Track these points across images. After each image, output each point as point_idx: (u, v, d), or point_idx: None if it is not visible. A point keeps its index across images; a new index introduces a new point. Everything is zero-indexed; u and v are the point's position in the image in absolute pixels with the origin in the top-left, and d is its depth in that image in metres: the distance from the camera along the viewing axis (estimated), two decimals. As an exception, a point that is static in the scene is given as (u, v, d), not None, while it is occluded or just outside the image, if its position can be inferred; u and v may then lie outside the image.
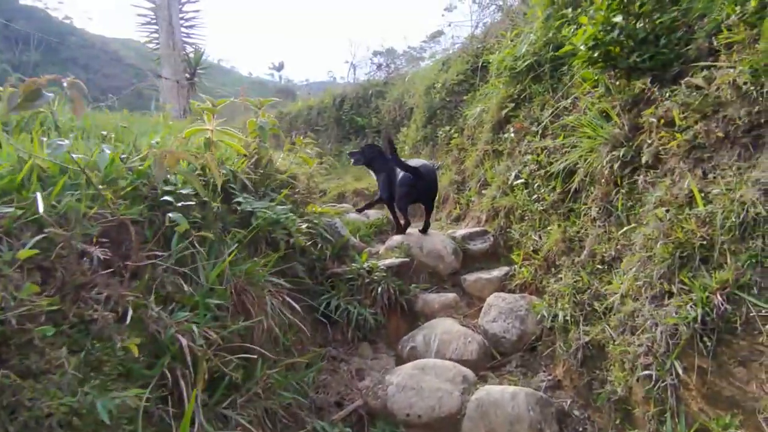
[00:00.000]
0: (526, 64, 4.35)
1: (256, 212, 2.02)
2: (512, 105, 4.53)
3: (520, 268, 3.58)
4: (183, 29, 7.06)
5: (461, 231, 4.27)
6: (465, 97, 6.55)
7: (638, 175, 2.55)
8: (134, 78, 48.15)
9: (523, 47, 4.33)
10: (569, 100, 3.64)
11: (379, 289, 3.30)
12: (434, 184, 4.31)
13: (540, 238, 3.50)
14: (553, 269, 3.18)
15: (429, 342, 2.95)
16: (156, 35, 7.19)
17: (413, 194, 4.17)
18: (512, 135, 4.35)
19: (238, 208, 2.11)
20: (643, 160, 2.49)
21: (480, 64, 6.65)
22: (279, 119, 13.74)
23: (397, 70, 10.56)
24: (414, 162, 4.43)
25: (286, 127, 13.23)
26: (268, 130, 2.72)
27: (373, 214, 4.93)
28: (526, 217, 3.80)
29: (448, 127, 6.58)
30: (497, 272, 3.76)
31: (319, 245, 3.24)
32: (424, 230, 4.22)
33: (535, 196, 3.68)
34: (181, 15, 6.83)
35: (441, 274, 3.83)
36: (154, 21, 6.95)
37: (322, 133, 11.69)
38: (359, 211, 4.89)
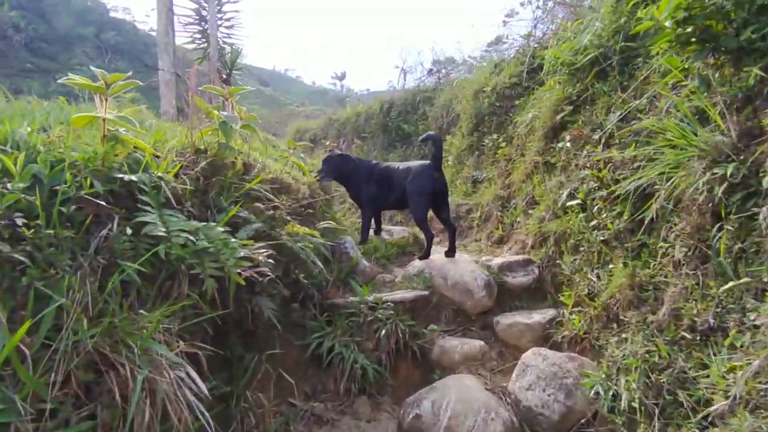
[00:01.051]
0: (588, 58, 3.48)
1: (171, 236, 1.39)
2: (569, 108, 3.67)
3: (570, 314, 2.73)
4: (222, 29, 6.72)
5: (498, 259, 3.46)
6: (517, 102, 5.70)
7: (755, 205, 1.68)
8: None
9: (585, 38, 3.47)
10: (644, 99, 2.76)
11: (384, 330, 2.59)
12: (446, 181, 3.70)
13: (599, 278, 2.64)
14: (615, 325, 2.32)
15: (438, 411, 2.18)
16: (199, 36, 6.91)
17: (435, 192, 3.51)
18: (568, 144, 3.49)
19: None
20: (765, 183, 1.62)
21: (536, 63, 5.78)
22: (328, 125, 13.37)
23: (448, 76, 9.80)
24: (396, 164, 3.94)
25: (334, 134, 12.83)
26: (236, 126, 2.10)
27: (398, 231, 4.21)
28: (582, 248, 2.94)
29: (495, 135, 5.74)
30: (540, 316, 2.92)
31: (316, 270, 2.59)
32: (450, 253, 3.45)
33: (594, 222, 2.81)
34: (219, 15, 6.48)
35: (468, 313, 3.04)
36: (197, 21, 6.66)
37: (369, 140, 11.14)
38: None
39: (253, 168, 2.27)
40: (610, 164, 2.78)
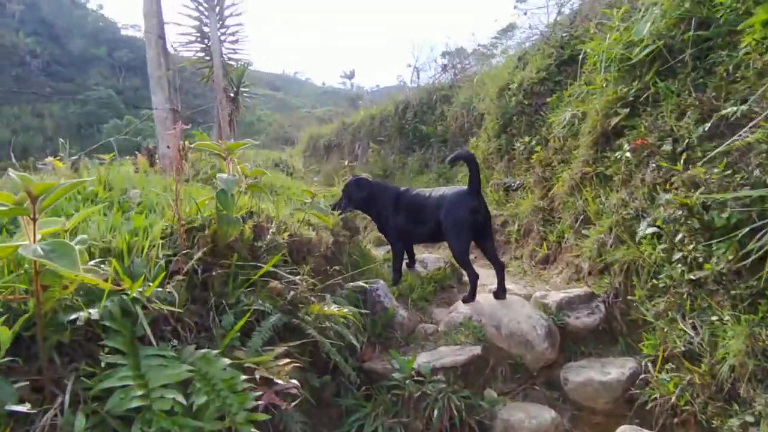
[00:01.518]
0: (647, 52, 2.93)
1: (152, 400, 0.95)
2: (625, 111, 3.12)
3: (660, 373, 2.23)
4: (227, 45, 6.30)
5: (555, 294, 2.94)
6: (548, 100, 5.14)
7: None
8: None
9: (644, 28, 2.91)
10: (740, 104, 2.21)
11: (436, 409, 2.12)
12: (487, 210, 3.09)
13: (696, 330, 2.12)
14: (735, 403, 1.81)
15: None
16: (202, 54, 6.51)
17: (475, 224, 2.94)
18: (628, 155, 2.96)
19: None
20: None
21: (567, 55, 5.21)
22: (342, 130, 12.92)
23: (464, 71, 9.22)
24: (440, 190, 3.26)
25: (349, 138, 12.38)
26: (241, 187, 1.65)
27: (432, 260, 3.72)
28: (663, 286, 2.42)
29: (527, 138, 5.19)
30: (617, 370, 2.41)
31: (349, 337, 2.13)
32: (499, 293, 2.95)
33: (680, 255, 2.29)
34: (222, 30, 6.05)
35: (529, 368, 2.55)
36: (198, 38, 6.25)
37: (385, 144, 10.64)
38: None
39: (266, 231, 1.83)
40: (699, 186, 2.24)
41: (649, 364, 2.35)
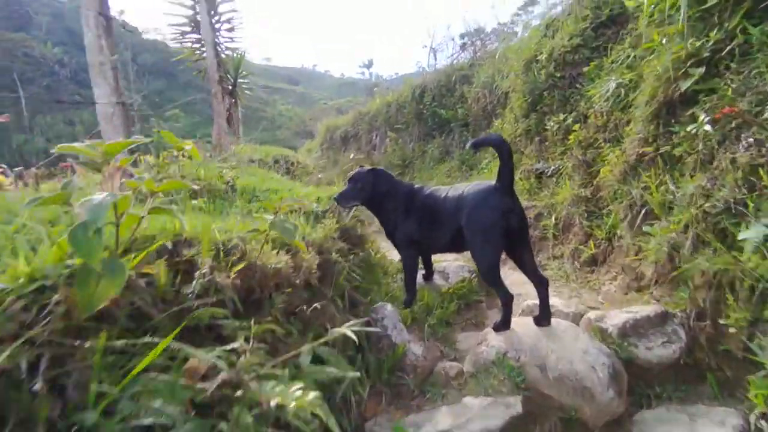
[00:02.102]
0: (731, -13, 2.17)
1: None
2: (699, 71, 2.36)
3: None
4: (224, 33, 5.73)
5: (616, 316, 2.23)
6: (585, 69, 4.35)
7: None
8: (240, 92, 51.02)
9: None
10: None
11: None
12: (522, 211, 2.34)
13: None
14: None
15: None
16: (198, 45, 5.97)
17: (508, 229, 2.22)
18: (707, 128, 2.21)
19: None
20: None
21: (605, 16, 4.39)
22: (359, 120, 12.27)
23: (485, 48, 8.39)
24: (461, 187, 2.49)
25: (365, 128, 11.72)
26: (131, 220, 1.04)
27: (454, 269, 3.06)
28: (779, 310, 1.70)
29: (562, 116, 4.42)
30: (714, 430, 1.72)
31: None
32: (542, 319, 2.28)
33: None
34: (216, 18, 5.48)
35: (587, 424, 1.88)
36: (193, 29, 5.71)
37: (403, 132, 9.94)
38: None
39: (201, 268, 1.23)
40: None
41: (762, 421, 1.65)
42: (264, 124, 46.85)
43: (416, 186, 2.83)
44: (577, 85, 4.44)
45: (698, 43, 2.33)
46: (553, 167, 4.34)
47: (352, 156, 7.51)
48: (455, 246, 2.48)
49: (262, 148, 4.76)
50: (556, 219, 3.92)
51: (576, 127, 4.02)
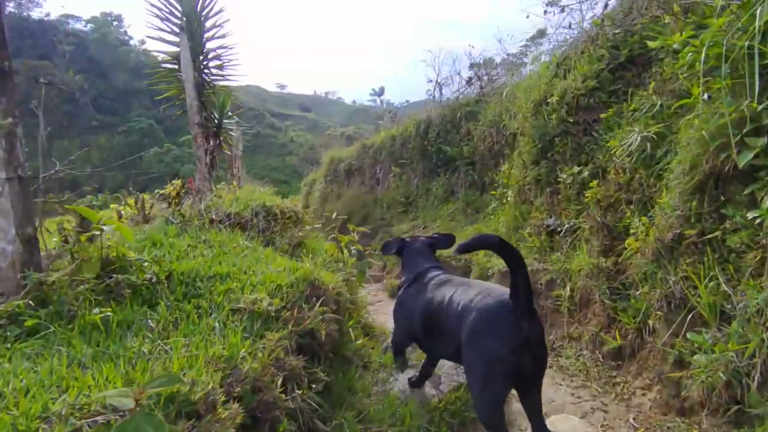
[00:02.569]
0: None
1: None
2: (761, 141, 1.81)
3: None
4: (212, 70, 5.36)
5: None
6: (602, 116, 3.83)
7: None
8: (253, 119, 51.36)
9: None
10: None
11: None
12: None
13: None
14: None
15: None
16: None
17: (519, 369, 1.60)
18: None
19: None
20: None
21: (624, 57, 3.89)
22: (363, 153, 11.85)
23: (492, 83, 7.95)
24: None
25: (370, 161, 11.29)
26: None
27: (446, 372, 2.46)
28: None
29: (576, 168, 3.88)
30: None
31: None
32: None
33: None
34: (202, 55, 5.10)
35: None
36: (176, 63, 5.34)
37: (407, 167, 9.48)
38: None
39: None
40: None
41: None
42: (275, 151, 47.09)
43: (432, 268, 2.28)
44: (593, 133, 3.91)
45: (759, 107, 1.79)
46: (567, 225, 3.77)
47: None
48: (458, 358, 1.88)
49: (245, 195, 4.25)
50: (571, 290, 3.34)
51: (593, 183, 3.47)
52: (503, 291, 1.75)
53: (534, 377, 1.68)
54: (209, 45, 5.35)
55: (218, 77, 5.70)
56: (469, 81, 8.38)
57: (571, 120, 4.19)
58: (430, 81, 9.15)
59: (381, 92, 56.24)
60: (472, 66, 9.12)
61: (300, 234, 4.30)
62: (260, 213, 4.07)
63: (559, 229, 3.90)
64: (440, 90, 9.07)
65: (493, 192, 5.74)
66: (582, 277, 3.25)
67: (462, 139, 7.81)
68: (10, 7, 45.43)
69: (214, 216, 3.56)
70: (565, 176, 3.93)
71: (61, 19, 50.62)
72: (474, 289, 1.87)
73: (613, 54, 4.04)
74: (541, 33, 8.97)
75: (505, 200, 5.13)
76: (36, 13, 49.71)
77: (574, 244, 3.63)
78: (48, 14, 52.02)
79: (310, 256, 3.28)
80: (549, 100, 4.54)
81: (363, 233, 9.77)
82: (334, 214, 6.38)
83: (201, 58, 5.23)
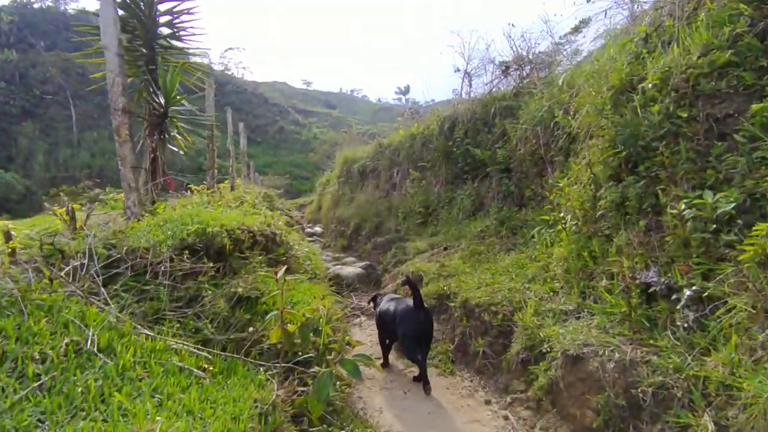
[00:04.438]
0: None
1: None
2: None
3: None
4: (164, 37, 3.95)
5: None
6: (754, 107, 2.23)
7: None
8: (278, 115, 50.39)
9: None
10: None
11: None
12: None
13: None
14: None
15: None
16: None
17: None
18: None
19: None
20: None
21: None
22: (379, 153, 10.33)
23: (537, 71, 6.30)
24: None
25: (386, 163, 9.76)
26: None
27: None
28: None
29: (707, 194, 2.29)
30: None
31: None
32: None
33: None
34: (145, 18, 3.69)
35: None
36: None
37: (428, 171, 7.93)
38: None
39: None
40: None
41: None
42: (298, 147, 46.00)
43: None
44: (730, 136, 2.31)
45: None
46: (688, 291, 2.17)
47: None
48: None
49: (197, 214, 2.80)
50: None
51: (761, 227, 1.87)
52: (410, 301, 3.29)
53: (426, 339, 3.23)
54: (161, 7, 3.94)
55: (178, 50, 4.29)
56: (505, 70, 6.75)
57: (684, 114, 2.59)
58: (458, 71, 7.53)
59: (406, 90, 54.52)
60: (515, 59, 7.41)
61: (263, 273, 2.85)
62: (196, 245, 2.63)
63: (666, 293, 2.31)
64: (470, 82, 7.45)
65: (543, 216, 4.13)
66: (737, 409, 1.67)
67: (496, 140, 6.20)
68: (49, 2, 45.68)
69: (114, 253, 2.15)
70: (681, 207, 2.33)
71: (96, 13, 50.81)
72: (399, 302, 3.50)
73: (763, 10, 2.42)
74: (585, 22, 7.24)
75: (561, 227, 3.54)
76: (72, 7, 49.96)
77: (704, 325, 2.05)
78: (84, 9, 52.36)
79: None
80: (640, 86, 2.94)
81: (375, 245, 8.29)
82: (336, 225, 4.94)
83: (145, 20, 3.81)
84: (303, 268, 4.00)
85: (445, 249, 5.71)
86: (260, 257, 3.06)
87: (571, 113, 4.08)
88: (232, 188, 7.58)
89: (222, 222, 2.92)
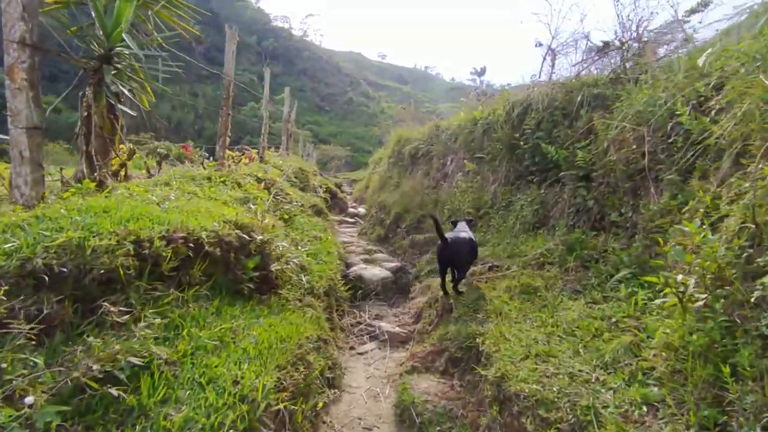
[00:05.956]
0: None
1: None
2: None
3: None
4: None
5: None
6: None
7: None
8: (348, 86, 49.63)
9: None
10: None
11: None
12: None
13: None
14: None
15: None
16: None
17: None
18: None
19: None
20: None
21: None
22: (434, 136, 9.01)
23: (654, 51, 4.63)
24: None
25: (441, 148, 8.44)
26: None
27: None
28: None
29: None
30: None
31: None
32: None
33: None
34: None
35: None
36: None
37: (486, 164, 6.56)
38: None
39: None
40: None
41: None
42: (364, 120, 45.12)
43: None
44: None
45: None
46: None
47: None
48: None
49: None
50: None
51: None
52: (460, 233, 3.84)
53: (454, 265, 3.77)
54: None
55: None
56: (604, 47, 5.15)
57: None
58: (539, 45, 5.97)
59: (482, 72, 51.36)
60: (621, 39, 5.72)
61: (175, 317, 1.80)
62: (62, 267, 1.61)
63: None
64: (553, 61, 5.88)
65: (649, 277, 2.75)
66: None
67: (577, 137, 4.73)
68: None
69: None
70: None
71: (191, -28, 52.28)
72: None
73: None
74: (705, 2, 5.29)
75: (676, 296, 2.16)
76: (170, -34, 51.65)
77: None
78: (181, -32, 54.03)
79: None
80: None
81: (412, 242, 7.10)
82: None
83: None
84: (291, 283, 2.95)
85: (490, 269, 4.43)
86: (204, 280, 2.03)
87: (712, 113, 2.60)
88: (261, 160, 6.67)
89: (159, 222, 1.92)
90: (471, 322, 3.10)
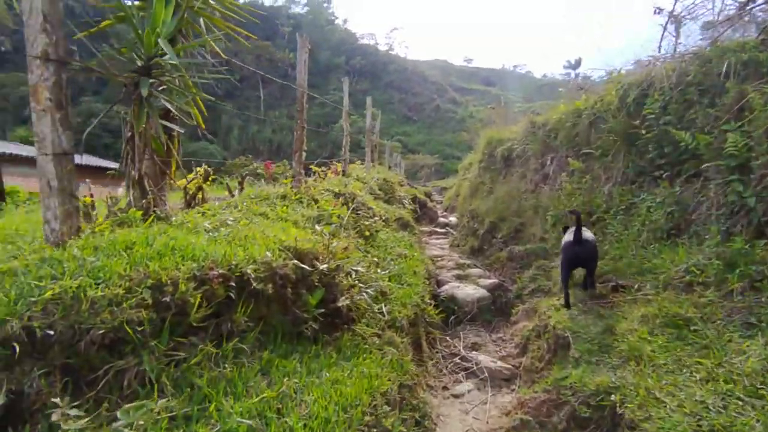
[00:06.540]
0: None
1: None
2: None
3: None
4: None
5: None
6: None
7: None
8: (435, 93, 49.19)
9: None
10: None
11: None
12: None
13: None
14: None
15: None
16: None
17: None
18: None
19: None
20: None
21: None
22: (530, 134, 8.09)
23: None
24: None
25: (538, 147, 7.52)
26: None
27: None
28: None
29: None
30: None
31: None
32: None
33: None
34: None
35: None
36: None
37: (596, 161, 5.59)
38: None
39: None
40: None
41: None
42: (452, 126, 44.19)
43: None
44: None
45: None
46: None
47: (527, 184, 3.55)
48: None
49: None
50: None
51: None
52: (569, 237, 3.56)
53: (584, 266, 3.66)
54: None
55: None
56: (747, 2, 4.01)
57: None
58: (659, 12, 4.91)
59: (577, 64, 47.43)
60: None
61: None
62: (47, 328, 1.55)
63: None
64: (677, 28, 4.78)
65: None
66: None
67: (722, 118, 3.68)
68: (247, -5, 51.95)
69: None
70: None
71: (285, 4, 56.36)
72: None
73: None
74: None
75: None
76: None
77: None
78: (276, 0, 58.49)
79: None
80: None
81: (511, 254, 6.32)
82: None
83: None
84: (368, 316, 2.52)
85: (615, 289, 3.58)
86: (251, 326, 1.68)
87: None
88: (344, 173, 6.46)
89: (208, 256, 1.62)
90: (599, 367, 2.37)
